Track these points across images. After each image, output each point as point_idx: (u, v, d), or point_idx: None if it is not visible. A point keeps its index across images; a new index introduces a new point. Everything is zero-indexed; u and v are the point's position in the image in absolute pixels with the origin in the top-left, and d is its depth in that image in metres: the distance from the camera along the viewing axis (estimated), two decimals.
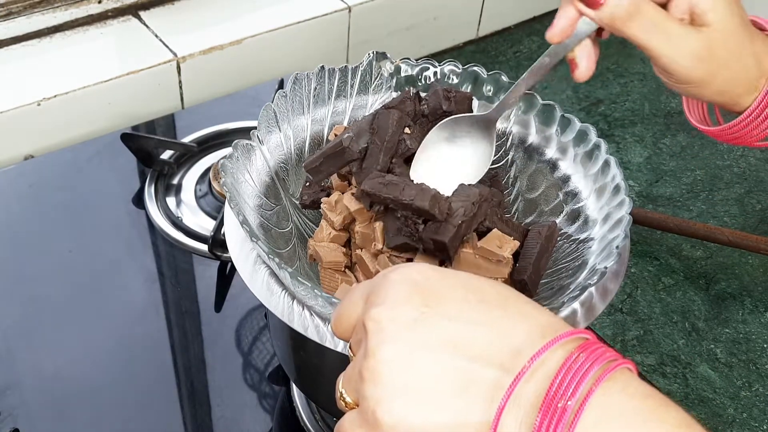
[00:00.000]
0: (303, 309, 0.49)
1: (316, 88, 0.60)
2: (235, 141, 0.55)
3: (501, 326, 0.35)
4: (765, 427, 0.71)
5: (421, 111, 0.55)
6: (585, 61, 0.51)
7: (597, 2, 0.47)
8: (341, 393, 0.37)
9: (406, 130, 0.54)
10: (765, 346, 0.78)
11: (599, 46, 0.52)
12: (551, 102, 0.59)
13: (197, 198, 0.86)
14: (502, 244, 0.51)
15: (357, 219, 0.54)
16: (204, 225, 0.83)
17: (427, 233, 0.50)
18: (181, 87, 0.97)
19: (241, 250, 0.53)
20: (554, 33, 0.50)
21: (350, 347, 0.38)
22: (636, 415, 0.32)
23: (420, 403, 0.33)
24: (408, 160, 0.55)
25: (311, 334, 0.48)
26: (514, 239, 0.52)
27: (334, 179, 0.59)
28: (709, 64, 0.50)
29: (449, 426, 0.33)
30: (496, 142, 0.61)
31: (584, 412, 0.31)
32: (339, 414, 0.37)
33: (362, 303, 0.37)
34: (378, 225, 0.53)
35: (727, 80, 0.51)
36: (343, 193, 0.56)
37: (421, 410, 0.33)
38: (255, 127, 0.57)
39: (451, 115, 0.53)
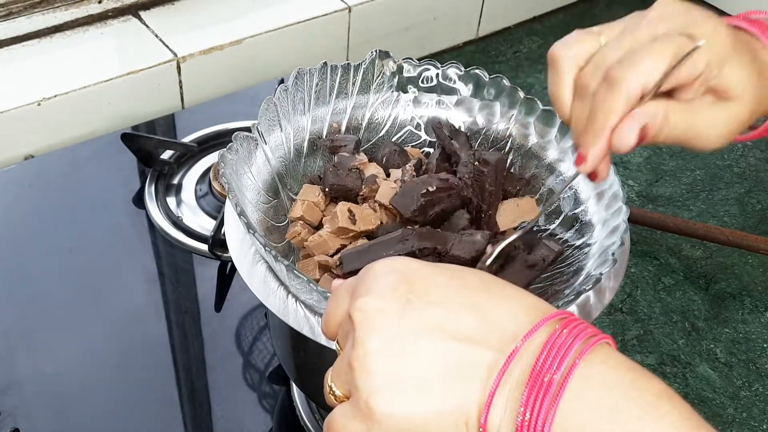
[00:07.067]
0: (299, 306, 0.49)
1: (317, 84, 0.60)
2: (235, 132, 0.55)
3: (486, 308, 0.35)
4: (765, 426, 0.71)
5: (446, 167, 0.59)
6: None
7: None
8: (330, 387, 0.37)
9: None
10: (765, 345, 0.78)
11: None
12: (551, 108, 0.59)
13: (197, 198, 0.86)
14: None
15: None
16: (204, 225, 0.83)
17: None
18: (181, 87, 0.97)
19: (241, 248, 0.53)
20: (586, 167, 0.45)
21: (338, 342, 0.38)
22: (617, 385, 0.32)
23: (413, 389, 0.34)
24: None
25: (307, 332, 0.48)
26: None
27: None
28: (740, 128, 0.47)
29: (444, 410, 0.34)
30: (497, 144, 0.62)
31: (568, 384, 0.32)
32: None
33: (348, 298, 0.37)
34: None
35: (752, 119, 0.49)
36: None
37: (415, 396, 0.34)
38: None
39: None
